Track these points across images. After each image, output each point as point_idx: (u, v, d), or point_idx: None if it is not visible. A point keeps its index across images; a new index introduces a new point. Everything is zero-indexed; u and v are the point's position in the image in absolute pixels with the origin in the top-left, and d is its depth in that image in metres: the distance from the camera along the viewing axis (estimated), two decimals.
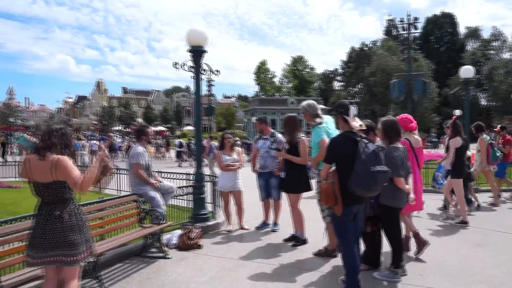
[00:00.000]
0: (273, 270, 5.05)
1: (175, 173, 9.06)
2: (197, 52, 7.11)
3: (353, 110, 4.01)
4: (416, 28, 21.68)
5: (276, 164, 6.80)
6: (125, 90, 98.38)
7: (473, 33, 62.40)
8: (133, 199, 5.81)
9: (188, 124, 75.29)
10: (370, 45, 67.56)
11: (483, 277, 4.72)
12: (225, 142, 7.23)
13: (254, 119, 7.30)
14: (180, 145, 22.60)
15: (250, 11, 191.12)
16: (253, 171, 7.21)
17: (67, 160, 3.30)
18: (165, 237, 6.11)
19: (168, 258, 5.59)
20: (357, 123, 3.96)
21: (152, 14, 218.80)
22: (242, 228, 7.19)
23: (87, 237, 3.47)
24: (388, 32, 65.19)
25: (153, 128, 71.26)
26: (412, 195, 4.72)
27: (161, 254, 5.67)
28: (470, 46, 62.60)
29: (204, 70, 7.47)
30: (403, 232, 5.51)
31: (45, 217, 3.30)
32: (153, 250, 5.80)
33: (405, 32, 21.52)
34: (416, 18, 21.66)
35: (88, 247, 3.45)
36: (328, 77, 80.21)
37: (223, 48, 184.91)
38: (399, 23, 21.82)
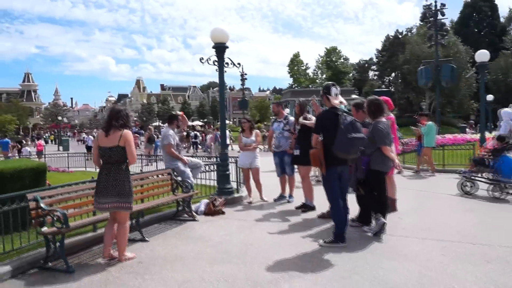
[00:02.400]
0: (281, 228, 6.08)
1: (201, 156, 10.28)
2: (220, 48, 8.20)
3: (334, 90, 4.95)
4: (443, 14, 21.69)
5: (289, 144, 7.78)
6: (162, 87, 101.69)
7: None
8: (168, 171, 7.02)
9: (225, 119, 77.05)
10: (405, 32, 66.23)
11: (459, 230, 5.52)
12: (243, 126, 8.32)
13: (287, 110, 8.22)
14: (195, 137, 24.51)
15: (283, 3, 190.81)
16: (269, 150, 8.24)
17: (130, 133, 4.65)
18: (194, 205, 7.28)
19: (196, 220, 6.75)
20: (337, 100, 4.90)
21: (187, 11, 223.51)
22: (262, 199, 8.24)
23: (132, 193, 4.71)
24: (424, 18, 63.72)
25: (190, 123, 73.56)
26: (397, 161, 5.59)
27: (190, 218, 6.83)
28: None
29: (227, 64, 8.53)
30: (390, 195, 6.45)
31: (107, 172, 4.59)
32: (184, 215, 6.96)
33: (432, 18, 21.61)
34: (443, 4, 21.67)
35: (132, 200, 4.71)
36: (363, 67, 79.35)
37: (257, 42, 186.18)
38: (427, 9, 21.91)
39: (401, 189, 8.76)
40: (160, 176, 6.92)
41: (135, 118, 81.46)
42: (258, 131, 8.61)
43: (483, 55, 11.88)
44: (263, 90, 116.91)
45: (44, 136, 55.01)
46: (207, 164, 8.64)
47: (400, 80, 58.55)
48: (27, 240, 4.94)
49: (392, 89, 63.05)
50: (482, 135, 12.40)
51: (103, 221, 5.37)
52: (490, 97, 28.52)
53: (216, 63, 8.24)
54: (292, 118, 7.92)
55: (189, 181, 7.00)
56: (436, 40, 21.39)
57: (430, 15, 21.73)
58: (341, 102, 4.95)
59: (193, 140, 24.29)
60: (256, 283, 3.93)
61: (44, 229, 4.58)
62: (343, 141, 4.67)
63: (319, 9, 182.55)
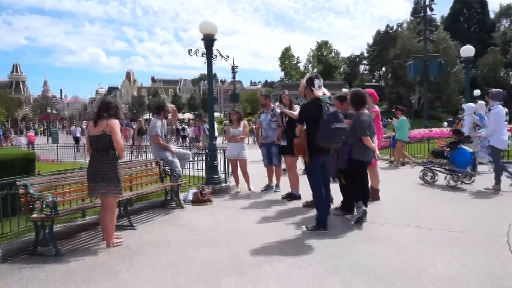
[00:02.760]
0: (267, 216, 6.25)
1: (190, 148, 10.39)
2: (208, 40, 8.30)
3: (317, 82, 5.11)
4: (431, 10, 21.93)
5: (276, 135, 7.93)
6: (153, 80, 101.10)
7: (506, 11, 60.52)
8: (156, 161, 7.14)
9: (215, 111, 77.00)
10: (396, 27, 66.60)
11: (438, 218, 5.74)
12: (231, 117, 8.45)
13: (277, 104, 8.38)
14: (183, 130, 25.03)
15: None
16: (256, 142, 8.39)
17: (117, 122, 4.82)
18: (182, 195, 7.43)
19: (184, 209, 6.90)
20: (320, 92, 5.07)
21: (179, 4, 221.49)
22: (249, 190, 8.41)
23: (121, 179, 4.87)
24: (414, 13, 64.16)
25: (180, 116, 73.35)
26: (377, 152, 5.78)
27: (178, 206, 6.98)
28: (503, 25, 60.86)
29: (216, 56, 8.64)
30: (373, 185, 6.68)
31: (96, 159, 4.80)
32: (172, 204, 7.10)
33: (421, 14, 21.85)
34: (432, 0, 21.91)
35: (120, 186, 4.90)
36: (354, 61, 79.79)
37: (249, 35, 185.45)
38: (417, 4, 22.13)
39: (386, 180, 9.02)
40: (148, 165, 7.04)
41: (125, 111, 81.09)
42: (246, 122, 8.76)
43: (468, 50, 12.13)
44: (255, 83, 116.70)
45: (34, 128, 54.60)
46: (195, 155, 8.78)
47: (390, 75, 58.99)
48: (17, 226, 5.05)
49: (383, 84, 63.59)
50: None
51: (92, 208, 5.50)
52: (477, 92, 28.95)
53: (204, 55, 8.34)
54: (278, 110, 8.07)
55: (176, 170, 7.14)
56: (425, 35, 21.63)
57: (419, 10, 21.93)
58: (324, 94, 5.12)
59: (181, 133, 24.61)
60: (240, 265, 4.10)
61: (34, 215, 4.70)
62: (326, 131, 4.83)
63: (311, 3, 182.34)
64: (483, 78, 52.03)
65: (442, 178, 8.55)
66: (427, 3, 22.40)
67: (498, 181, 7.80)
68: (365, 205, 5.60)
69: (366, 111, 5.76)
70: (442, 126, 28.00)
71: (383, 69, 66.99)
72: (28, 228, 5.08)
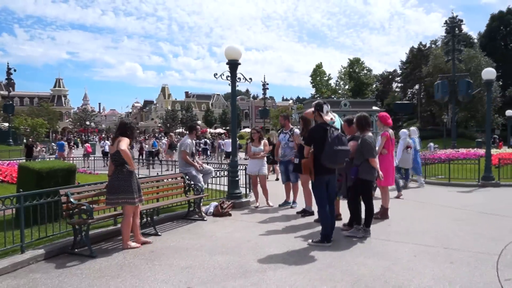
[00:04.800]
0: (279, 229, 6.78)
1: (212, 163, 11.11)
2: (233, 65, 9.03)
3: (325, 108, 5.67)
4: (460, 30, 21.99)
5: (293, 153, 8.48)
6: (187, 94, 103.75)
7: None
8: (181, 175, 7.85)
9: (246, 127, 78.16)
10: (429, 44, 65.86)
11: (440, 236, 6.08)
12: (252, 136, 9.09)
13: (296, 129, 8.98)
14: (205, 144, 26.17)
15: (309, 12, 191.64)
16: (275, 159, 8.97)
17: (125, 139, 5.57)
18: (204, 207, 8.07)
19: (205, 220, 7.53)
20: (328, 117, 5.62)
21: (213, 20, 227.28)
22: (268, 205, 8.95)
23: (137, 189, 5.65)
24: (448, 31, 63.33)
25: (212, 130, 74.95)
26: (381, 173, 6.20)
27: (200, 218, 7.62)
28: None
29: (239, 79, 9.34)
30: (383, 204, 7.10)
31: (113, 173, 5.61)
32: (195, 215, 7.74)
33: (449, 34, 21.93)
34: (461, 20, 21.99)
35: (139, 195, 5.65)
36: (386, 78, 79.22)
37: (282, 51, 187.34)
38: (444, 24, 22.24)
39: (400, 199, 9.37)
40: (174, 179, 7.75)
41: (159, 124, 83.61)
42: (266, 140, 9.36)
43: (489, 73, 12.26)
44: (286, 99, 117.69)
45: (75, 140, 57.32)
46: (217, 170, 9.44)
47: (423, 93, 58.29)
48: (59, 229, 5.82)
49: (415, 101, 62.76)
50: (488, 151, 12.74)
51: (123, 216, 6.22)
52: (509, 113, 28.34)
53: (228, 79, 9.06)
54: (297, 130, 8.61)
55: (199, 184, 7.81)
56: (453, 55, 21.67)
57: (447, 31, 22.05)
58: (331, 119, 5.67)
59: (203, 146, 25.91)
60: (247, 270, 4.65)
61: (73, 220, 5.46)
62: (330, 153, 5.35)
63: (344, 19, 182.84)
64: None
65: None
66: (456, 22, 22.47)
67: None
68: (369, 225, 6.02)
69: (370, 133, 6.22)
70: (473, 145, 27.57)
71: (416, 86, 66.26)
72: (68, 231, 5.84)
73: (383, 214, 7.42)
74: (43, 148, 27.15)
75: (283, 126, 8.94)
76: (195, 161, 8.22)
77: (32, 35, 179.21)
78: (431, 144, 27.35)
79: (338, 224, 6.64)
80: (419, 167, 12.33)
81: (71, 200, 5.46)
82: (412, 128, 12.62)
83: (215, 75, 9.19)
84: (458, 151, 18.84)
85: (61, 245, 5.60)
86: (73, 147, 34.47)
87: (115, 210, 6.32)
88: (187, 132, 8.55)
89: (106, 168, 18.85)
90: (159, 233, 6.46)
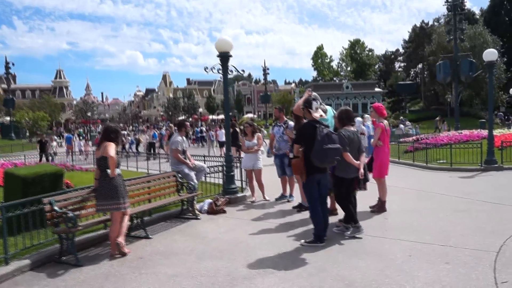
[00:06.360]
0: (272, 227, 6.62)
1: (210, 156, 11.00)
2: (224, 57, 8.75)
3: (315, 104, 5.43)
4: (462, 9, 21.40)
5: (288, 147, 8.26)
6: (188, 81, 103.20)
7: None
8: (173, 174, 7.68)
9: (249, 112, 77.83)
10: (432, 22, 64.60)
11: (438, 231, 5.90)
12: (246, 130, 8.87)
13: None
14: (201, 132, 26.76)
15: None
16: (270, 153, 8.77)
17: (111, 145, 5.39)
18: (198, 205, 7.92)
19: (199, 219, 7.38)
20: (318, 114, 5.38)
21: (212, 4, 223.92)
22: (264, 199, 8.79)
23: (124, 195, 5.48)
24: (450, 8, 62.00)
25: (214, 117, 74.60)
26: (362, 170, 5.90)
27: (193, 217, 7.47)
28: None
29: (231, 71, 9.07)
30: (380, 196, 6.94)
31: (99, 178, 5.47)
32: (189, 214, 7.60)
33: (451, 12, 21.37)
34: None
35: (126, 201, 5.49)
36: (389, 58, 78.10)
37: (283, 33, 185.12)
38: (445, 3, 21.65)
39: (401, 189, 9.17)
40: (165, 178, 7.58)
41: (161, 113, 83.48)
42: (260, 134, 9.15)
43: (490, 54, 11.88)
44: (289, 83, 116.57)
45: (78, 132, 57.36)
46: (212, 167, 9.28)
47: (426, 72, 57.42)
48: (45, 237, 5.69)
49: (418, 81, 61.96)
50: (490, 133, 12.46)
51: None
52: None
53: (220, 72, 8.80)
54: (291, 123, 8.39)
55: (192, 183, 7.64)
56: (455, 35, 21.15)
57: (449, 9, 21.47)
58: (321, 116, 5.43)
59: (200, 135, 26.37)
60: (235, 278, 4.50)
61: (58, 228, 5.33)
62: (319, 151, 5.14)
63: None
64: None
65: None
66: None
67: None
68: (356, 221, 5.83)
69: (352, 128, 5.98)
70: (478, 125, 27.15)
71: (419, 66, 65.27)
72: (55, 238, 5.71)
73: (381, 207, 7.23)
74: (54, 142, 26.89)
75: (278, 118, 8.72)
76: (187, 158, 8.04)
77: (32, 27, 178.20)
78: (402, 124, 27.41)
79: (334, 219, 6.49)
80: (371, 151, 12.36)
81: (55, 208, 5.31)
82: (367, 115, 13.49)
83: (205, 69, 8.94)
84: (462, 133, 18.49)
85: (48, 254, 5.47)
86: (88, 140, 34.43)
87: (104, 215, 6.17)
88: (176, 129, 8.36)
89: None
90: (150, 236, 6.33)
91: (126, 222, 5.64)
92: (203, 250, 5.56)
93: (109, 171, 5.37)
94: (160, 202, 7.20)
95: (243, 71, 9.60)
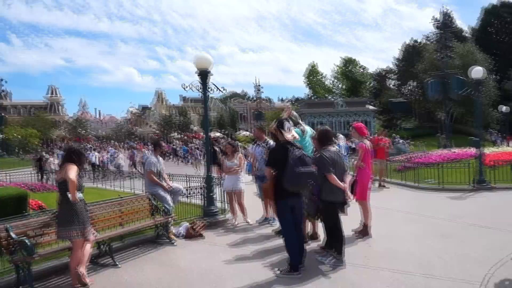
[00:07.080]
0: (249, 254, 6.27)
1: (191, 176, 10.71)
2: (203, 75, 8.52)
3: (287, 125, 5.16)
4: (449, 26, 21.49)
5: None
6: (184, 99, 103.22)
7: None
8: (147, 196, 7.33)
9: (243, 129, 77.68)
10: (422, 40, 65.03)
11: (421, 260, 5.57)
12: (226, 150, 8.58)
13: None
14: (187, 151, 27.58)
15: (302, 12, 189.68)
16: (252, 174, 8.46)
17: (73, 167, 5.04)
18: (175, 229, 7.55)
19: (174, 245, 7.00)
20: (290, 135, 5.10)
21: (207, 22, 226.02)
22: (246, 221, 8.43)
23: (85, 221, 5.12)
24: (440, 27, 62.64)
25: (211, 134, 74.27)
26: (349, 192, 5.61)
27: (168, 242, 7.09)
28: None
29: (210, 89, 8.82)
30: (363, 221, 6.61)
31: (60, 203, 5.12)
32: (164, 238, 7.22)
33: (439, 31, 21.44)
34: (449, 16, 21.49)
35: (82, 229, 5.08)
36: (382, 75, 78.51)
37: (277, 51, 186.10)
38: (433, 21, 21.71)
39: (384, 210, 8.83)
40: (139, 201, 7.23)
41: (157, 131, 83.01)
42: (241, 154, 8.86)
43: (477, 72, 11.75)
44: (283, 100, 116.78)
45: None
46: (190, 188, 8.94)
47: (416, 89, 57.55)
48: (2, 266, 5.30)
49: (412, 98, 62.03)
50: (480, 153, 12.23)
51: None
52: (506, 109, 27.75)
53: (199, 90, 8.56)
54: (272, 142, 8.11)
55: (167, 206, 7.28)
56: (445, 53, 21.18)
57: (438, 27, 21.54)
58: (293, 137, 5.15)
59: (185, 153, 27.02)
60: None
61: (14, 257, 4.95)
62: (291, 175, 4.83)
63: (338, 17, 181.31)
64: None
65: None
66: (449, 18, 21.95)
67: None
68: (340, 252, 5.45)
69: (332, 148, 5.69)
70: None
71: (412, 83, 65.53)
72: (12, 268, 5.32)
73: (364, 232, 6.90)
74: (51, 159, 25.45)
75: (258, 138, 8.45)
76: (162, 180, 7.69)
77: (28, 43, 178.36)
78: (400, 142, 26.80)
79: (314, 244, 6.16)
80: None
81: (11, 235, 4.95)
82: (340, 135, 13.90)
83: (183, 86, 8.68)
84: (455, 152, 18.27)
85: (4, 284, 5.09)
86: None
87: (64, 242, 5.79)
88: (151, 150, 8.04)
89: (92, 181, 18.42)
90: (118, 264, 5.95)
91: (88, 250, 5.24)
92: (170, 282, 5.19)
93: (69, 195, 5.02)
94: (133, 227, 6.81)
95: (224, 88, 9.32)
